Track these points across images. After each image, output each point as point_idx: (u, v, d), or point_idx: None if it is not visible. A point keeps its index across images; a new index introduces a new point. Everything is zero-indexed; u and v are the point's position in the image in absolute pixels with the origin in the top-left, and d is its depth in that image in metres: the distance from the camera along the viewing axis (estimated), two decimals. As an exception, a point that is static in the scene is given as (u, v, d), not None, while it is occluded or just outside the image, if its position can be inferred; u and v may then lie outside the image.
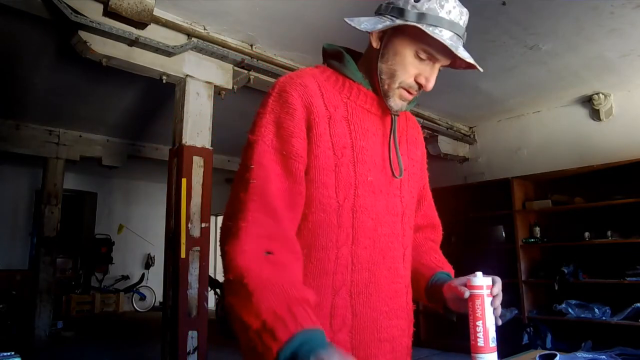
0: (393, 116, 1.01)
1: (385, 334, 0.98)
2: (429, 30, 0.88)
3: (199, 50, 3.43)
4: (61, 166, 5.92)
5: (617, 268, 4.30)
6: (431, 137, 5.73)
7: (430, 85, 0.98)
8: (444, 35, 0.90)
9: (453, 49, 0.89)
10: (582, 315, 4.31)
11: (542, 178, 5.07)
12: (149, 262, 9.49)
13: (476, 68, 0.96)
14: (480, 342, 0.97)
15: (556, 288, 4.54)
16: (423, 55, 0.94)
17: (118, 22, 2.91)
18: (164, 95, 4.41)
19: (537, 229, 4.90)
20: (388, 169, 1.00)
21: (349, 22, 0.98)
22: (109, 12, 2.81)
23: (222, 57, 3.54)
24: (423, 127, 5.35)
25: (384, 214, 0.99)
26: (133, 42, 3.09)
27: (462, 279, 1.00)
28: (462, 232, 5.57)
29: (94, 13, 2.86)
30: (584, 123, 5.04)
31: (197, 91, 3.47)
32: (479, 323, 0.97)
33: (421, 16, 0.90)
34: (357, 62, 1.04)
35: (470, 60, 0.92)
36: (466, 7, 0.99)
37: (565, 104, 5.17)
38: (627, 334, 4.06)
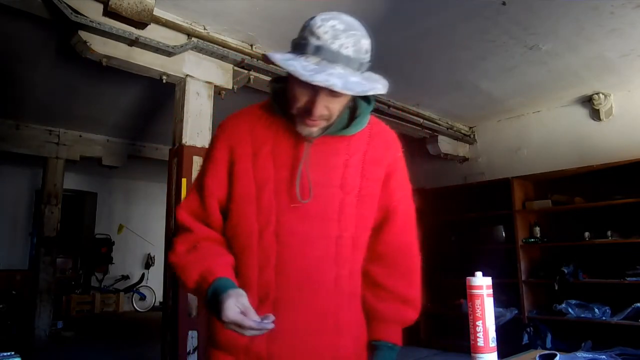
0: (306, 143, 1.05)
1: (310, 345, 1.03)
2: (284, 58, 0.93)
3: (199, 50, 3.43)
4: (61, 166, 5.91)
5: (617, 268, 4.30)
6: (431, 137, 5.73)
7: (315, 112, 0.97)
8: (308, 62, 0.91)
9: (303, 75, 0.89)
10: (582, 315, 4.31)
11: (542, 178, 5.06)
12: (149, 262, 9.49)
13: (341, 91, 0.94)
14: (480, 342, 0.97)
15: (556, 288, 4.54)
16: (302, 83, 0.93)
17: (118, 22, 2.91)
18: (164, 95, 4.41)
19: (537, 229, 4.90)
20: (323, 194, 1.04)
21: (269, 56, 0.98)
22: (109, 12, 2.81)
23: (222, 57, 3.54)
24: (423, 127, 5.35)
25: (313, 237, 1.03)
26: (133, 42, 3.09)
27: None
28: (462, 232, 5.58)
29: (94, 13, 2.86)
30: (584, 123, 5.04)
31: (197, 91, 3.47)
32: (479, 323, 0.97)
33: (295, 46, 0.97)
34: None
35: (326, 84, 0.88)
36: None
37: (565, 104, 5.17)
38: (627, 334, 4.06)
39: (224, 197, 1.09)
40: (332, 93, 0.95)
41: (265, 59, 0.97)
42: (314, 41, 0.93)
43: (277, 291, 1.02)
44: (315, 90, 0.95)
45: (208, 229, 1.10)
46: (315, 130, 1.02)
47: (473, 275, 1.00)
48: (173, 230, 1.15)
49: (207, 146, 3.45)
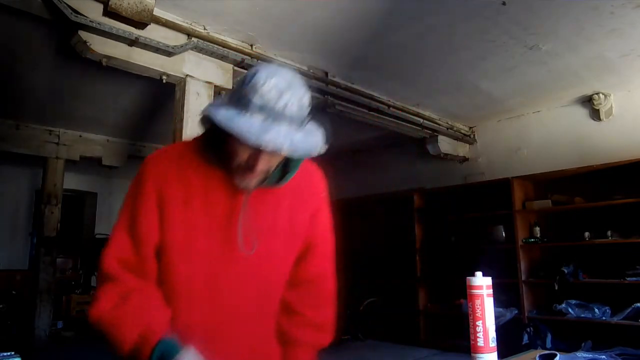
0: (245, 195, 1.06)
1: None
2: (227, 118, 0.91)
3: (199, 50, 3.43)
4: (61, 166, 5.91)
5: (617, 268, 4.30)
6: (431, 137, 5.73)
7: (257, 168, 0.98)
8: (252, 120, 0.91)
9: (247, 137, 0.89)
10: (582, 315, 4.31)
11: (542, 178, 5.06)
12: (149, 262, 9.47)
13: (285, 154, 0.97)
14: (480, 342, 0.97)
15: (556, 288, 4.53)
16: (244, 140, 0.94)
17: (118, 22, 2.91)
18: (164, 95, 4.41)
19: (537, 229, 4.90)
20: (251, 243, 1.06)
21: (206, 112, 1.00)
22: (109, 12, 2.81)
23: (222, 57, 3.54)
24: (423, 127, 5.35)
25: (248, 280, 1.07)
26: (133, 42, 3.09)
27: None
28: (462, 232, 5.58)
29: (94, 13, 2.86)
30: (584, 123, 5.04)
31: (197, 91, 3.47)
32: (479, 323, 0.97)
33: (237, 102, 0.93)
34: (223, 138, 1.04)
35: (269, 146, 0.90)
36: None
37: (565, 104, 5.16)
38: (627, 334, 4.05)
39: (157, 242, 1.04)
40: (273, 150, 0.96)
41: (206, 119, 0.97)
42: (257, 99, 0.91)
43: (210, 335, 1.04)
44: (258, 148, 0.94)
45: (138, 279, 1.02)
46: (253, 183, 1.03)
47: (473, 275, 1.00)
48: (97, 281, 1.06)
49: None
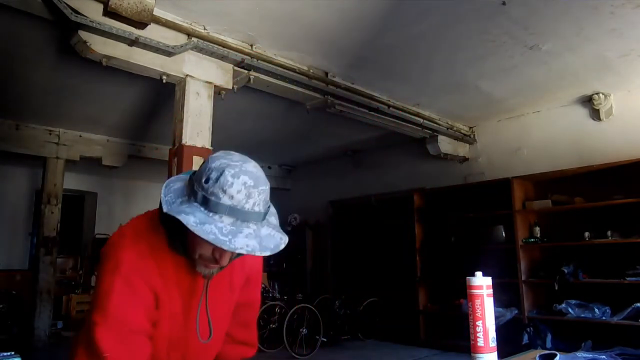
0: (205, 280, 1.10)
1: None
2: (197, 224, 0.90)
3: (199, 50, 3.43)
4: (61, 166, 5.91)
5: (617, 268, 4.30)
6: (431, 137, 5.73)
7: (224, 262, 1.01)
8: (221, 224, 0.91)
9: (220, 244, 0.90)
10: (582, 315, 4.31)
11: (542, 178, 5.06)
12: (149, 262, 9.47)
13: (259, 255, 0.97)
14: (480, 342, 0.97)
15: (556, 288, 4.54)
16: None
17: (118, 22, 2.91)
18: (164, 95, 4.41)
19: (537, 229, 4.90)
20: (194, 325, 1.12)
21: (163, 190, 1.01)
22: (109, 12, 2.81)
23: (222, 57, 3.54)
24: (423, 127, 5.36)
25: (206, 347, 1.16)
26: (133, 42, 3.09)
27: None
28: (462, 232, 5.58)
29: (94, 13, 2.86)
30: (584, 123, 5.04)
31: (197, 91, 3.46)
32: (479, 323, 0.97)
33: (204, 200, 0.93)
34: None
35: (241, 252, 0.91)
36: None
37: (565, 104, 5.16)
38: (627, 334, 4.05)
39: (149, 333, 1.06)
40: None
41: (176, 221, 0.94)
42: (226, 201, 0.92)
43: None
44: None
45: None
46: (215, 270, 1.07)
47: (473, 275, 1.00)
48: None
49: (207, 146, 3.48)
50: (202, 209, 0.92)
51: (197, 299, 1.11)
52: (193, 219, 0.91)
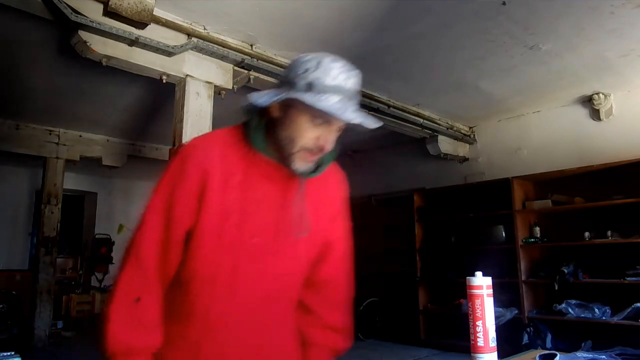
0: (301, 179, 1.07)
1: None
2: (313, 99, 0.96)
3: (199, 50, 3.43)
4: (61, 166, 5.91)
5: (617, 268, 4.30)
6: (431, 137, 5.73)
7: (328, 146, 1.03)
8: (331, 101, 0.96)
9: (338, 114, 0.96)
10: (582, 315, 4.31)
11: (542, 178, 5.06)
12: (149, 262, 9.47)
13: (370, 127, 1.02)
14: (480, 342, 0.97)
15: (556, 288, 4.53)
16: (318, 120, 1.00)
17: (118, 22, 2.91)
18: (164, 95, 4.41)
19: (537, 229, 4.90)
20: (283, 232, 1.07)
21: (254, 100, 1.03)
22: (109, 12, 2.81)
23: (222, 57, 3.54)
24: (423, 127, 5.36)
25: (271, 275, 1.07)
26: (133, 42, 3.09)
27: None
28: (462, 232, 5.58)
29: (94, 13, 2.86)
30: (584, 123, 5.04)
31: (197, 91, 3.47)
32: (479, 323, 0.97)
33: (309, 86, 0.97)
34: (267, 128, 1.07)
35: (356, 120, 0.98)
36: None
37: (565, 104, 5.16)
38: (627, 334, 4.05)
39: (190, 226, 1.03)
40: (338, 129, 1.03)
41: (291, 100, 0.99)
42: (330, 81, 0.97)
43: (226, 325, 1.04)
44: (329, 126, 1.01)
45: (156, 280, 1.04)
46: (311, 165, 1.06)
47: (473, 275, 1.00)
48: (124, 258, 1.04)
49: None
50: (307, 95, 0.97)
51: (287, 203, 1.07)
52: (308, 97, 0.96)
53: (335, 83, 0.97)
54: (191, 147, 1.07)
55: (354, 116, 0.97)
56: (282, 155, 1.04)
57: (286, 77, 1.02)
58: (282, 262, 1.08)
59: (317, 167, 1.08)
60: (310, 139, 1.01)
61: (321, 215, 1.15)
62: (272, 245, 1.06)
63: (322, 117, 0.99)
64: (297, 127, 1.01)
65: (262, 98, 1.02)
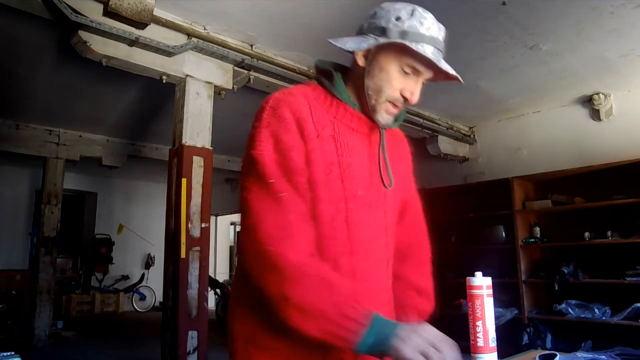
0: (381, 130, 1.07)
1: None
2: (413, 46, 0.94)
3: (199, 50, 3.43)
4: (61, 166, 5.91)
5: (617, 268, 4.30)
6: (431, 137, 5.73)
7: (415, 98, 1.03)
8: (427, 50, 0.96)
9: (437, 62, 0.96)
10: (582, 315, 4.31)
11: (542, 178, 5.06)
12: (149, 262, 9.49)
13: (458, 80, 1.01)
14: (480, 342, 0.97)
15: (556, 288, 4.53)
16: (407, 70, 1.00)
17: (118, 22, 2.91)
18: (164, 95, 4.41)
19: (537, 229, 4.90)
20: (375, 184, 1.05)
21: (333, 42, 1.02)
22: (109, 12, 2.81)
23: (222, 57, 3.54)
24: (423, 127, 5.36)
25: (374, 226, 1.04)
26: (133, 42, 3.09)
27: None
28: (462, 232, 5.58)
29: (94, 13, 2.86)
30: (584, 123, 5.04)
31: (197, 91, 3.47)
32: (479, 323, 0.97)
33: (403, 34, 0.96)
34: (346, 78, 1.06)
35: (452, 72, 0.98)
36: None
37: (565, 104, 5.16)
38: (627, 334, 4.05)
39: (306, 177, 0.96)
40: (424, 80, 1.02)
41: (382, 47, 0.98)
42: (425, 31, 0.96)
43: (354, 279, 0.98)
44: (417, 77, 1.01)
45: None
46: (393, 118, 1.05)
47: (473, 275, 1.00)
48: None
49: (207, 146, 3.48)
50: (401, 39, 0.95)
51: (373, 154, 1.05)
52: (405, 43, 0.94)
53: (430, 34, 0.97)
54: (278, 95, 1.00)
55: (449, 68, 0.97)
56: (367, 106, 1.02)
57: (374, 24, 0.99)
58: (380, 215, 1.05)
59: (394, 120, 1.08)
60: (397, 89, 1.01)
61: (398, 170, 1.12)
62: (372, 197, 1.04)
63: (412, 66, 0.98)
64: (385, 76, 1.00)
65: (349, 43, 1.00)
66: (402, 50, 0.97)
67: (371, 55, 1.01)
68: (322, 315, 0.85)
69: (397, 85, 1.00)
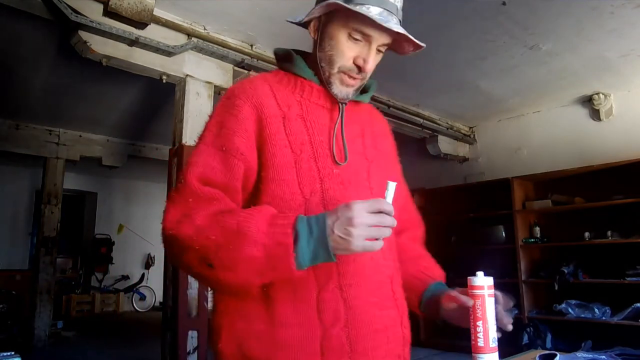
0: (340, 104, 1.02)
1: (378, 324, 0.97)
2: (354, 7, 0.90)
3: (199, 50, 3.43)
4: (61, 166, 5.91)
5: (617, 268, 4.30)
6: (431, 137, 5.73)
7: (368, 66, 0.97)
8: (372, 12, 0.90)
9: (383, 23, 0.90)
10: (582, 315, 4.31)
11: (542, 178, 5.06)
12: (149, 262, 9.49)
13: (419, 46, 0.98)
14: (481, 342, 0.96)
15: (556, 288, 4.53)
16: (357, 36, 0.95)
17: (118, 22, 2.91)
18: (164, 95, 4.41)
19: (537, 229, 4.90)
20: (353, 160, 1.01)
21: (290, 20, 1.03)
22: (109, 12, 2.81)
23: (222, 57, 3.54)
24: (423, 127, 5.36)
25: (339, 197, 0.97)
26: (133, 42, 3.09)
27: (461, 290, 0.98)
28: (462, 232, 5.58)
29: (94, 13, 2.86)
30: (584, 123, 5.04)
31: (197, 91, 3.47)
32: (479, 323, 0.97)
33: None
34: (308, 60, 1.05)
35: (400, 30, 0.92)
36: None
37: (565, 104, 5.17)
38: (627, 334, 4.05)
39: (254, 163, 0.94)
40: (379, 48, 0.97)
41: (330, 10, 0.95)
42: None
43: (338, 272, 0.92)
44: (369, 44, 0.95)
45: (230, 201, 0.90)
46: (351, 91, 1.01)
47: (473, 275, 1.00)
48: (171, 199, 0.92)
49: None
50: (347, 5, 0.91)
51: (330, 126, 1.01)
52: (343, 3, 0.90)
53: None
54: (235, 85, 1.02)
55: (397, 27, 0.91)
56: (323, 79, 1.00)
57: None
58: (364, 192, 0.99)
59: (363, 92, 1.06)
60: (349, 57, 0.96)
61: (381, 148, 1.10)
62: (350, 174, 0.99)
63: (362, 31, 0.94)
64: (334, 44, 0.97)
65: (298, 17, 1.00)
66: (348, 15, 0.93)
67: (321, 25, 0.99)
68: (245, 259, 0.80)
69: (349, 54, 0.96)
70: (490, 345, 0.96)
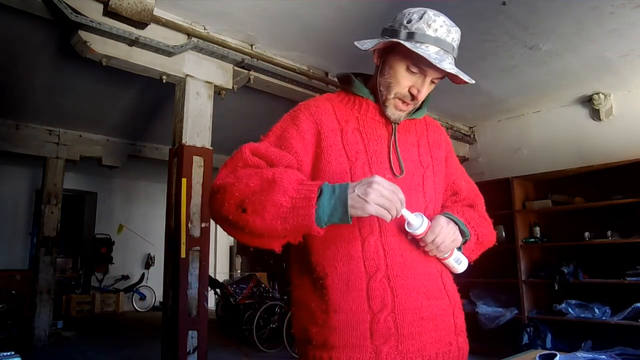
0: (393, 124, 1.16)
1: (425, 312, 1.06)
2: (413, 46, 1.01)
3: (199, 50, 3.43)
4: (61, 166, 5.91)
5: (617, 268, 4.30)
6: (431, 137, 5.73)
7: (421, 96, 1.10)
8: (429, 51, 1.02)
9: (435, 62, 1.01)
10: (582, 315, 4.31)
11: (542, 178, 5.07)
12: (149, 262, 9.49)
13: (464, 82, 1.08)
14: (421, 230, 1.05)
15: (556, 288, 4.54)
16: (414, 69, 1.07)
17: (118, 22, 2.91)
18: (164, 95, 4.41)
19: (537, 229, 4.90)
20: (409, 168, 1.14)
21: (356, 44, 1.13)
22: (109, 12, 2.81)
23: (222, 57, 3.54)
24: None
25: (409, 206, 1.07)
26: (133, 42, 3.09)
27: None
28: (462, 232, 5.57)
29: (94, 13, 2.86)
30: (584, 123, 5.04)
31: (197, 91, 3.47)
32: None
33: (410, 35, 1.04)
34: (368, 81, 1.19)
35: (452, 71, 1.03)
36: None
37: (565, 104, 5.17)
38: (627, 334, 4.06)
39: (305, 166, 1.07)
40: (433, 80, 1.09)
41: (391, 47, 1.07)
42: (431, 33, 1.03)
43: (386, 264, 1.04)
44: (424, 77, 1.08)
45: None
46: (403, 114, 1.14)
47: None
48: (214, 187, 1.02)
49: (207, 146, 3.48)
50: (407, 43, 1.03)
51: (385, 143, 1.14)
52: (407, 43, 1.02)
53: (436, 35, 1.03)
54: (302, 104, 1.15)
55: (450, 67, 1.02)
56: (380, 100, 1.13)
57: (390, 27, 1.09)
58: (416, 196, 1.12)
59: (418, 109, 1.19)
60: (404, 86, 1.09)
61: (435, 156, 1.22)
62: (405, 180, 1.11)
63: (418, 66, 1.06)
64: (393, 74, 1.09)
65: (365, 44, 1.11)
66: (408, 51, 1.03)
67: (384, 55, 1.12)
68: (274, 204, 0.91)
69: (405, 83, 1.09)
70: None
